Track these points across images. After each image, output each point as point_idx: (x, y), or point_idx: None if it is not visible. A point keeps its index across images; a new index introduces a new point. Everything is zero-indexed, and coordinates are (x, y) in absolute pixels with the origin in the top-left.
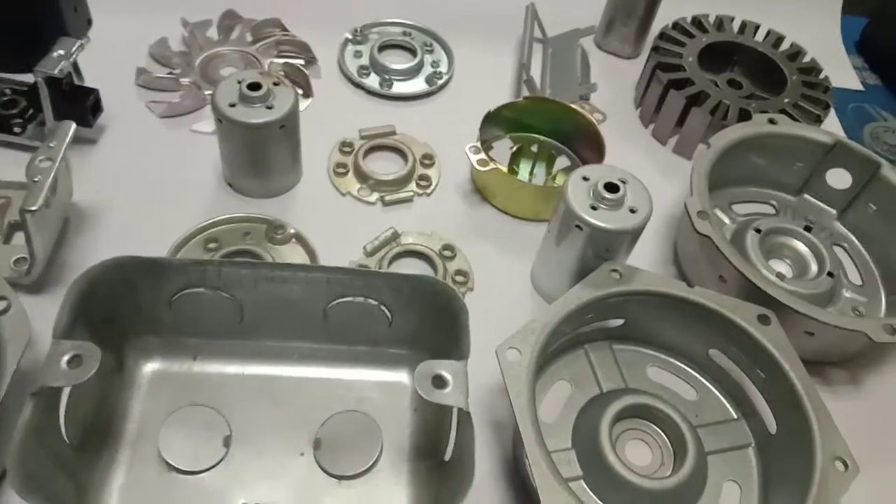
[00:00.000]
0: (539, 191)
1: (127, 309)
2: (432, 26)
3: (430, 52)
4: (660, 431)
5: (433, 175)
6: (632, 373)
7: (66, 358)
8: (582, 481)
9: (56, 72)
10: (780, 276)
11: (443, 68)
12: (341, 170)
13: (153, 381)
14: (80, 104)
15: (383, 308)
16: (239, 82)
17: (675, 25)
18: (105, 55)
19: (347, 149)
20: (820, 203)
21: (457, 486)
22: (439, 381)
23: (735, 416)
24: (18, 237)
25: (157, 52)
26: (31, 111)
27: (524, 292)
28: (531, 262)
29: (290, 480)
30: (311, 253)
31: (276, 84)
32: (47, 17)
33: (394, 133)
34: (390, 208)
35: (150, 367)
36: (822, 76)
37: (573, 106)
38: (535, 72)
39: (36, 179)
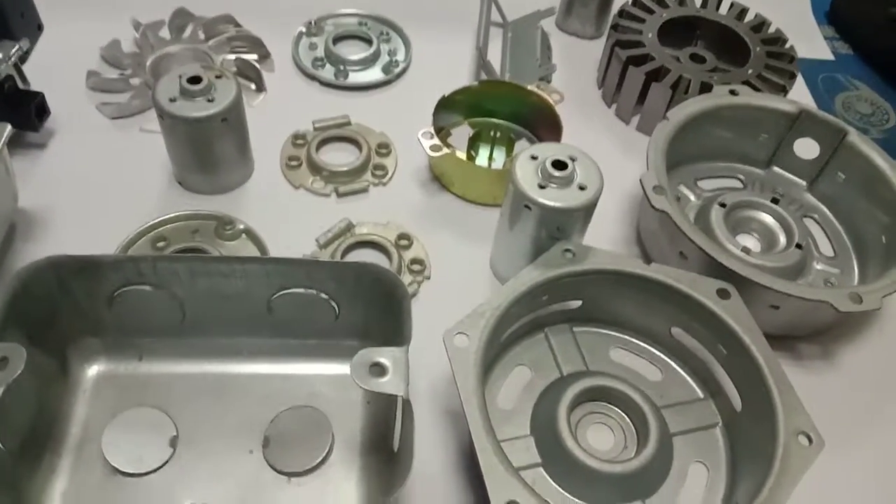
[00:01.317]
0: (495, 174)
1: (66, 310)
2: (389, 15)
3: (387, 41)
4: (622, 414)
5: (389, 164)
6: (593, 355)
7: None
8: (541, 468)
9: None
10: (745, 250)
11: (399, 57)
12: (294, 163)
13: (98, 384)
14: (24, 108)
15: (328, 299)
16: (179, 76)
17: (636, 2)
18: (57, 59)
19: (300, 141)
20: (789, 175)
21: (399, 475)
22: (378, 369)
23: (701, 396)
24: None
25: (109, 54)
26: None
27: (483, 279)
28: (490, 248)
29: (239, 479)
30: (261, 248)
31: (218, 77)
32: None
33: (348, 123)
34: (345, 200)
35: (95, 369)
36: (787, 46)
37: (529, 88)
38: (496, 57)
39: None
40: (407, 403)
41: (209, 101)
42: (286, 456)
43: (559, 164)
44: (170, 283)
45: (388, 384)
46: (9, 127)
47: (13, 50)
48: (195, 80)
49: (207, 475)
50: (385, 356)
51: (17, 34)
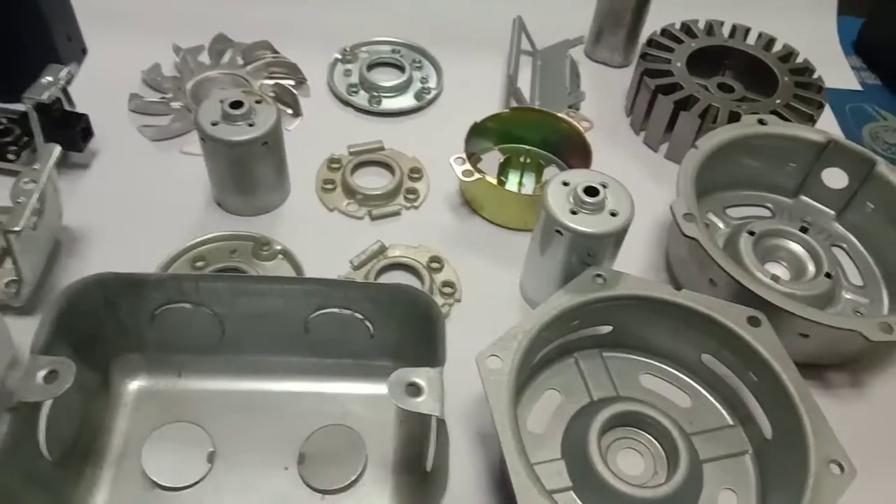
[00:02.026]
0: (525, 199)
1: (110, 326)
2: (421, 43)
3: (419, 68)
4: (652, 440)
5: (421, 188)
6: (623, 381)
7: (42, 373)
8: (572, 492)
9: (45, 98)
10: (775, 278)
11: (431, 84)
12: (329, 186)
13: (138, 399)
14: (70, 129)
15: (363, 319)
16: (221, 101)
17: (664, 32)
18: (100, 82)
19: (335, 165)
20: (817, 204)
21: (433, 495)
22: (414, 389)
23: (731, 423)
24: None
25: (150, 77)
26: (25, 139)
27: (513, 302)
28: (520, 272)
29: (274, 495)
30: (297, 268)
31: (258, 102)
32: (40, 47)
33: (382, 148)
34: (378, 223)
35: (136, 384)
36: (815, 76)
37: (559, 115)
38: (525, 84)
39: (19, 201)
40: (442, 423)
41: (250, 125)
42: (321, 473)
43: (591, 191)
44: (211, 301)
45: (423, 404)
46: (59, 148)
47: (62, 73)
48: (237, 104)
49: (243, 490)
50: (421, 376)
51: (65, 58)
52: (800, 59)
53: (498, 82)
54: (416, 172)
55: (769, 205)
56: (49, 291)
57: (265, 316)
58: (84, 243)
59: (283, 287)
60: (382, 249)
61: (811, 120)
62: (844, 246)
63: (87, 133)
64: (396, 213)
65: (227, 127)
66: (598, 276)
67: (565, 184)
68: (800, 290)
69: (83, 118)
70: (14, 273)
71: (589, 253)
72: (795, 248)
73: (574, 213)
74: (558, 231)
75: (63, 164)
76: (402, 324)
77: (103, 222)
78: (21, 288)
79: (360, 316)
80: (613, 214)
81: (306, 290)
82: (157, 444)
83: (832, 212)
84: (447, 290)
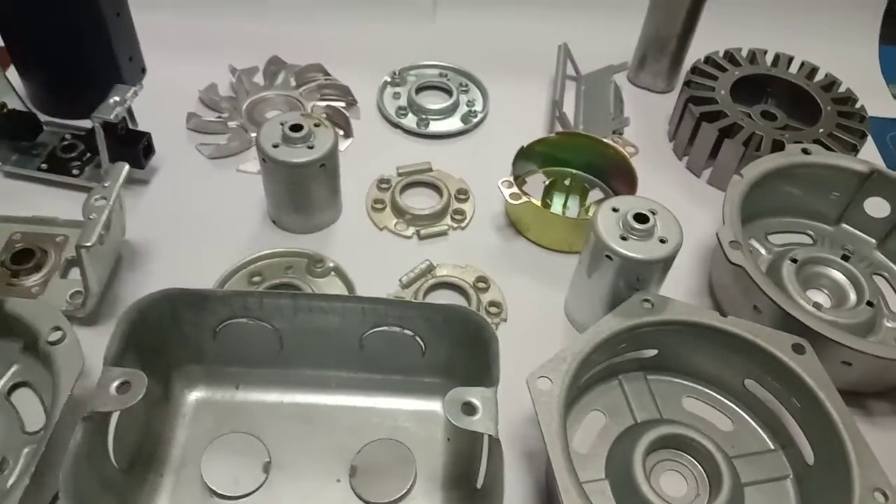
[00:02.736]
0: (571, 223)
1: (174, 339)
2: (468, 67)
3: (466, 91)
4: (695, 462)
5: (468, 209)
6: (666, 403)
7: (115, 384)
8: None
9: (112, 117)
10: (817, 305)
11: (478, 107)
12: (379, 205)
13: (197, 409)
14: (134, 147)
15: (417, 338)
16: (282, 124)
17: (708, 59)
18: (158, 101)
19: (385, 185)
20: (858, 232)
21: None
22: (469, 408)
23: (772, 447)
24: (75, 272)
25: (207, 97)
26: (88, 154)
27: (557, 323)
28: (564, 294)
29: None
30: (349, 285)
31: (316, 125)
32: (105, 67)
33: (430, 170)
34: (426, 242)
35: (195, 395)
36: (857, 105)
37: (605, 140)
38: (569, 109)
39: (91, 217)
40: (496, 442)
41: (309, 147)
42: (372, 486)
43: (641, 217)
44: (272, 317)
45: (478, 423)
46: (127, 167)
47: (129, 94)
48: (297, 127)
49: (297, 501)
50: (475, 396)
51: (127, 77)
52: (842, 89)
53: (542, 106)
54: (462, 193)
55: (810, 232)
56: (111, 303)
57: (322, 332)
58: (144, 257)
59: (344, 305)
60: (430, 268)
61: (854, 149)
62: (885, 274)
63: (148, 150)
64: (444, 234)
65: (287, 149)
66: (646, 300)
67: (615, 210)
68: (841, 318)
69: (146, 136)
70: (80, 285)
71: (638, 278)
72: (837, 275)
73: (624, 238)
74: (608, 256)
75: (126, 180)
76: (453, 343)
77: (162, 237)
78: (87, 299)
79: (413, 334)
80: (662, 241)
81: (364, 308)
82: (216, 454)
83: (873, 240)
84: (493, 309)
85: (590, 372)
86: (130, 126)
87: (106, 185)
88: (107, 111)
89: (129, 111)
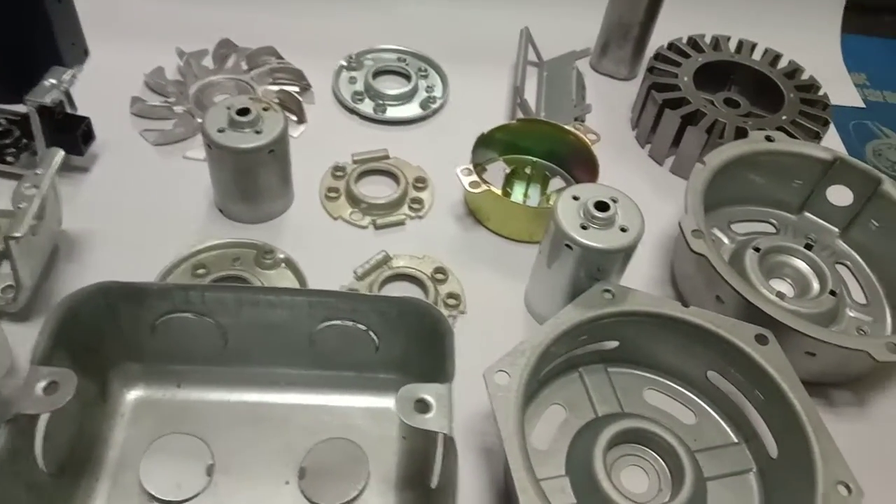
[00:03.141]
0: (532, 212)
1: (110, 336)
2: (427, 52)
3: (425, 77)
4: (657, 457)
5: (426, 198)
6: (628, 396)
7: (42, 384)
8: None
9: (47, 101)
10: (780, 295)
11: (437, 93)
12: (333, 194)
13: (136, 409)
14: (72, 133)
15: (370, 332)
16: (228, 108)
17: (671, 46)
18: (101, 85)
19: (339, 173)
20: (821, 221)
21: None
22: (422, 406)
23: (735, 441)
24: (5, 265)
25: (153, 80)
26: (24, 141)
27: (518, 315)
28: (525, 285)
29: None
30: (300, 278)
31: (265, 109)
32: (44, 49)
33: (387, 157)
34: (382, 232)
35: (134, 394)
36: (820, 93)
37: (566, 127)
38: (531, 95)
39: (20, 206)
40: (450, 441)
41: (257, 132)
42: (322, 488)
43: (602, 206)
44: (215, 311)
45: (432, 421)
46: (62, 153)
47: (66, 76)
48: (244, 111)
49: None
50: (429, 392)
51: (68, 60)
52: (805, 76)
53: (503, 93)
54: (420, 182)
55: (773, 221)
56: (46, 297)
57: (270, 327)
58: (83, 248)
59: (292, 299)
60: (387, 259)
61: (817, 137)
62: (848, 263)
63: (88, 136)
64: (401, 223)
65: (233, 134)
66: (607, 291)
67: (575, 198)
68: (804, 307)
69: (85, 121)
70: (11, 278)
71: (598, 268)
72: (800, 265)
73: (584, 227)
74: (568, 245)
75: (63, 167)
76: (408, 337)
77: (103, 227)
78: (18, 293)
79: (366, 329)
80: (623, 230)
81: (313, 301)
82: (155, 457)
83: (836, 229)
84: (451, 301)
85: (549, 365)
86: (69, 110)
87: (38, 172)
88: (41, 94)
89: (68, 95)
